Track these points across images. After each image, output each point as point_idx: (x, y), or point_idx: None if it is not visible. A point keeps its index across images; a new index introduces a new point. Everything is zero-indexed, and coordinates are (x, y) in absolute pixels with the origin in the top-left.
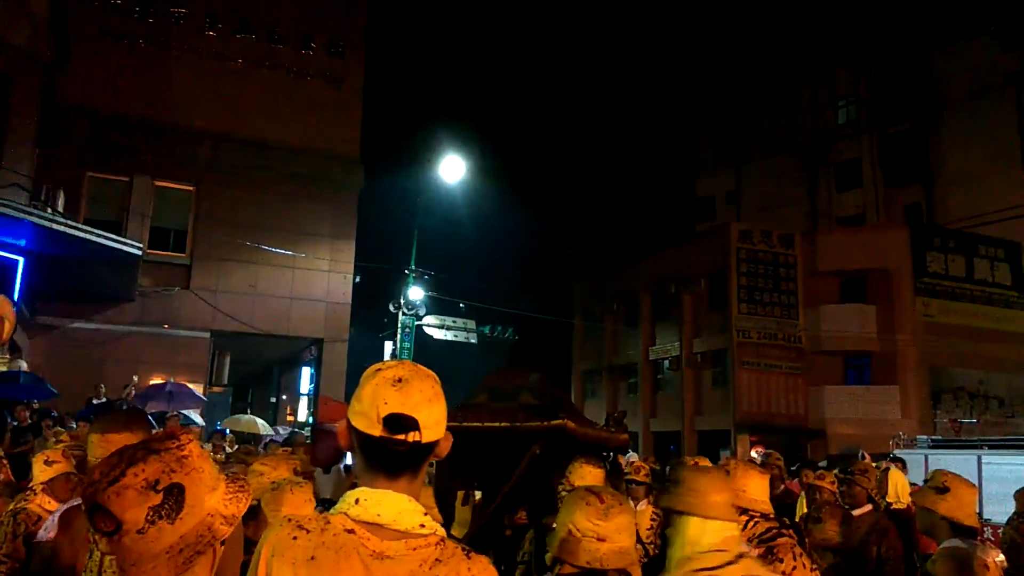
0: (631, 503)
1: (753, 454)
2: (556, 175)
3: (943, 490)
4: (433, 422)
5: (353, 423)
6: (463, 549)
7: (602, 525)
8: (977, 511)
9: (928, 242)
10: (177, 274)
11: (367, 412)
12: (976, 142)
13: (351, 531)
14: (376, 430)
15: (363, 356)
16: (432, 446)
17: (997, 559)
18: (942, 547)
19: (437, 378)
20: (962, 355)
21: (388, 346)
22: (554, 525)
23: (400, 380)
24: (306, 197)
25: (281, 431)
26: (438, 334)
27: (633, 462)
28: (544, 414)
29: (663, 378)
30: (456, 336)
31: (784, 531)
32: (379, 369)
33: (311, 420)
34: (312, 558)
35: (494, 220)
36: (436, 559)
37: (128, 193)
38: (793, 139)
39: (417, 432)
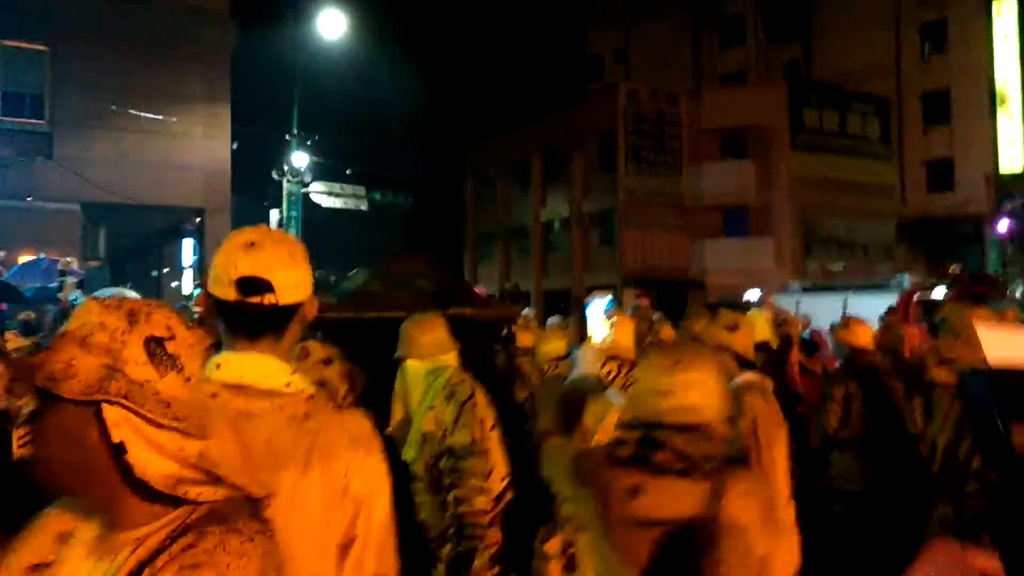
0: (712, 361)
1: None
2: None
3: (733, 328)
4: (291, 284)
5: (209, 290)
6: (334, 405)
7: (664, 380)
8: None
9: (805, 99)
10: (37, 143)
11: (220, 277)
12: (848, 1)
13: (215, 395)
14: (230, 294)
15: (249, 225)
16: (293, 308)
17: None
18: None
19: (297, 242)
20: (833, 206)
21: (274, 215)
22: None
23: (252, 244)
24: (175, 57)
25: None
26: (326, 201)
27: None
28: (441, 301)
29: (553, 239)
30: (345, 203)
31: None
32: (233, 235)
33: (195, 292)
34: None
35: (380, 80)
36: (305, 413)
37: None
38: None
39: (272, 294)
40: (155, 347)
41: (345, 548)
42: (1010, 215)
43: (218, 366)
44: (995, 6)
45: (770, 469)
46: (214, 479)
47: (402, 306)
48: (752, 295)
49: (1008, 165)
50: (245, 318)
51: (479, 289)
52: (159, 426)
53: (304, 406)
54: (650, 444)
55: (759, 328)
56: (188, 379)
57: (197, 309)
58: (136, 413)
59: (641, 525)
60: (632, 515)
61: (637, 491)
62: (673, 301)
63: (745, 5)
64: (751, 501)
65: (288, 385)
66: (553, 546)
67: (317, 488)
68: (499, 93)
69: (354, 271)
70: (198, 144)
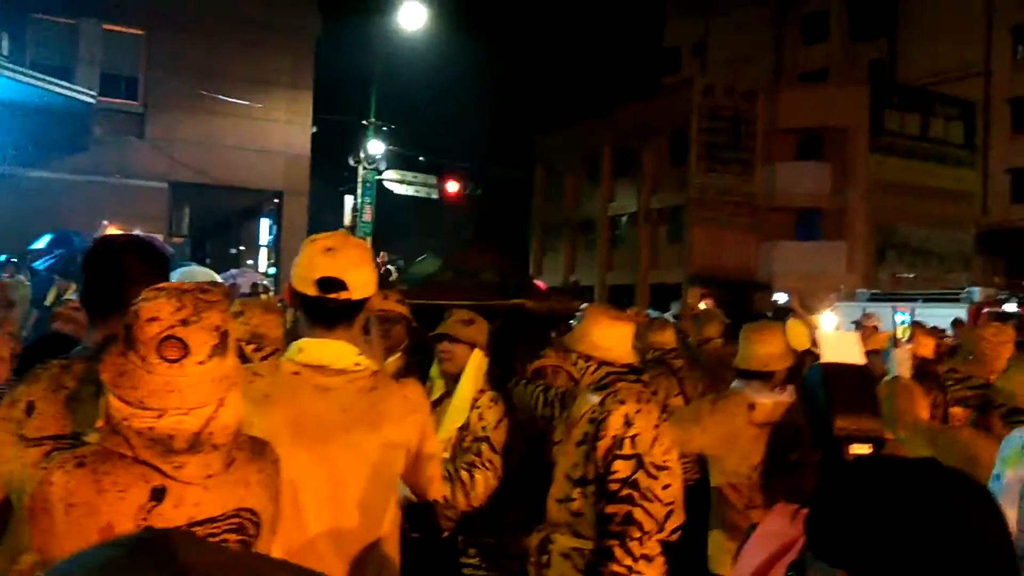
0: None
1: (701, 305)
2: (521, 22)
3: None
4: (360, 283)
5: (294, 285)
6: (397, 378)
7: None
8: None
9: (887, 100)
10: (131, 123)
11: (303, 276)
12: None
13: (297, 373)
14: (312, 290)
15: (324, 210)
16: (362, 303)
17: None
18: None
19: (367, 246)
20: (910, 212)
21: (348, 200)
22: None
23: (330, 249)
24: (261, 44)
25: (236, 272)
26: (399, 189)
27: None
28: (504, 293)
29: (620, 233)
30: (417, 191)
31: (626, 377)
32: (314, 240)
33: (270, 271)
34: (267, 396)
35: (457, 70)
36: (372, 387)
37: (76, 37)
38: None
39: (346, 291)
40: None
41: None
42: None
43: (300, 350)
44: None
45: None
46: None
47: (469, 295)
48: (782, 299)
49: None
50: (324, 311)
51: (540, 282)
52: None
53: (371, 380)
54: None
55: (793, 338)
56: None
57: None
58: None
59: None
60: None
61: None
62: (738, 302)
63: (830, 1)
64: None
65: (357, 365)
66: (534, 540)
67: (379, 442)
68: (574, 83)
69: (422, 257)
70: (280, 129)
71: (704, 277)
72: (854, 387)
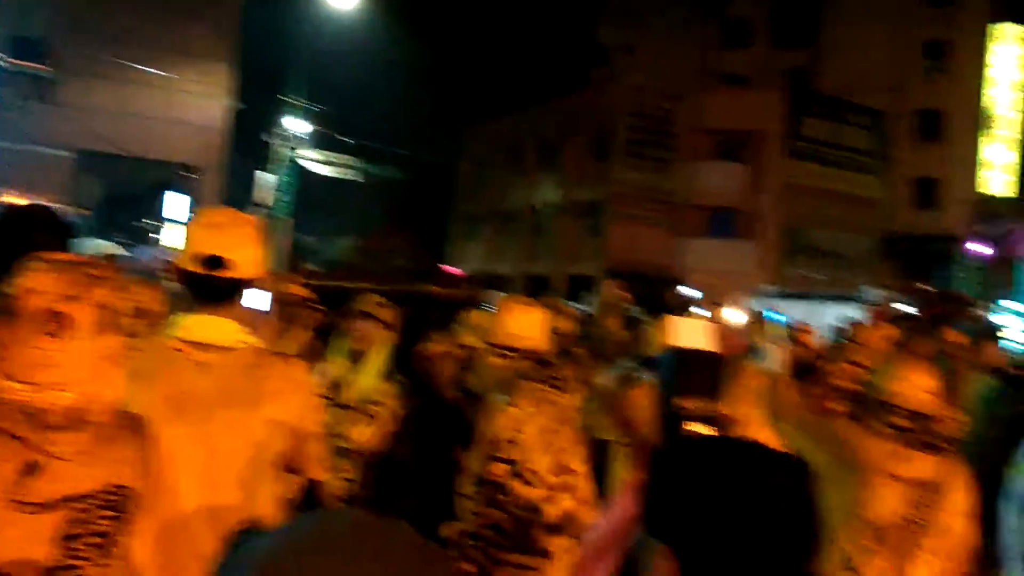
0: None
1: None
2: (453, 10)
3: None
4: (248, 261)
5: (177, 261)
6: (282, 355)
7: None
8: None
9: (804, 107)
10: (39, 87)
11: (188, 252)
12: (859, 12)
13: (179, 349)
14: (195, 267)
15: (245, 187)
16: (248, 281)
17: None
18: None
19: (257, 223)
20: (819, 216)
21: (265, 178)
22: None
23: (217, 224)
24: (182, 12)
25: (150, 250)
26: (319, 169)
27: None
28: (413, 277)
29: (542, 225)
30: (338, 172)
31: (536, 373)
32: (201, 216)
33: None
34: (146, 372)
35: (385, 54)
36: (255, 364)
37: None
38: None
39: (230, 269)
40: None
41: (283, 462)
42: (987, 238)
43: (182, 326)
44: (994, 31)
45: None
46: None
47: (377, 279)
48: (682, 292)
49: (991, 189)
50: (208, 288)
51: (453, 268)
52: None
53: (254, 358)
54: None
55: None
56: None
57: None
58: None
59: None
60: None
61: None
62: (653, 296)
63: (754, 8)
64: None
65: (240, 342)
66: (447, 529)
67: (260, 420)
68: (504, 74)
69: (338, 240)
70: (197, 101)
71: (620, 271)
72: (700, 371)
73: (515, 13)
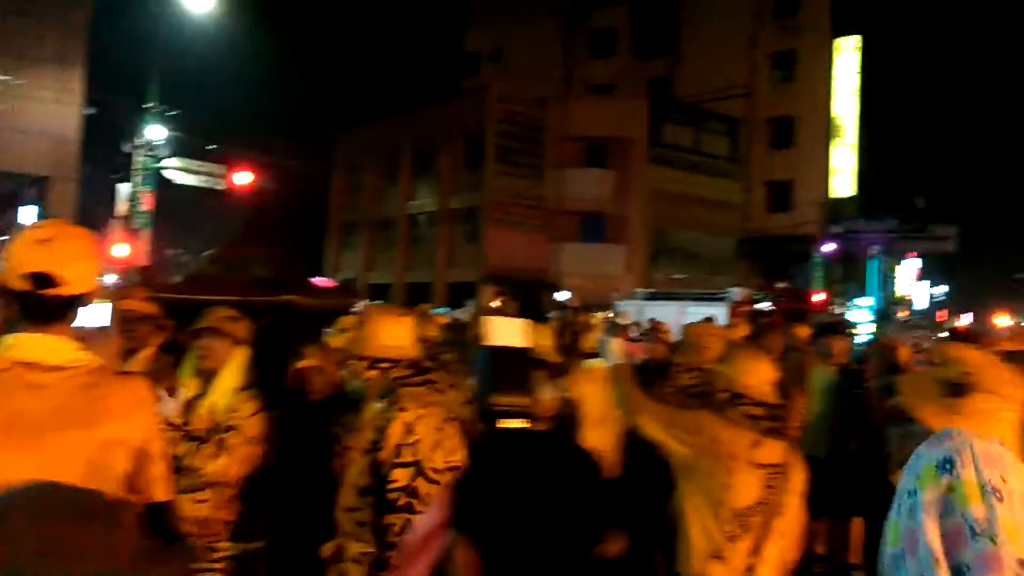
0: None
1: (494, 304)
2: (321, 14)
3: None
4: (80, 276)
5: (4, 281)
6: (121, 373)
7: None
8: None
9: (665, 114)
10: None
11: (15, 269)
12: (716, 21)
13: (7, 370)
14: (23, 285)
15: (99, 198)
16: (80, 297)
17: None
18: None
19: (89, 236)
20: (682, 219)
21: (123, 189)
22: None
23: (45, 240)
24: (27, 15)
25: None
26: (181, 178)
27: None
28: (274, 287)
29: (419, 232)
30: (203, 181)
31: (412, 380)
32: (26, 230)
33: None
34: None
35: (251, 59)
36: (91, 383)
37: None
38: (556, 2)
39: (60, 287)
40: None
41: (125, 484)
42: (836, 237)
43: (10, 346)
44: (837, 43)
45: None
46: None
47: (237, 291)
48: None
49: (839, 191)
50: (38, 307)
51: (319, 279)
52: None
53: (90, 377)
54: None
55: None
56: None
57: None
58: None
59: None
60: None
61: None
62: (530, 300)
63: (617, 19)
64: None
65: (74, 360)
66: (327, 550)
67: (97, 440)
68: (375, 81)
69: (207, 252)
70: (46, 109)
71: (498, 276)
72: (512, 367)
73: (386, 18)
